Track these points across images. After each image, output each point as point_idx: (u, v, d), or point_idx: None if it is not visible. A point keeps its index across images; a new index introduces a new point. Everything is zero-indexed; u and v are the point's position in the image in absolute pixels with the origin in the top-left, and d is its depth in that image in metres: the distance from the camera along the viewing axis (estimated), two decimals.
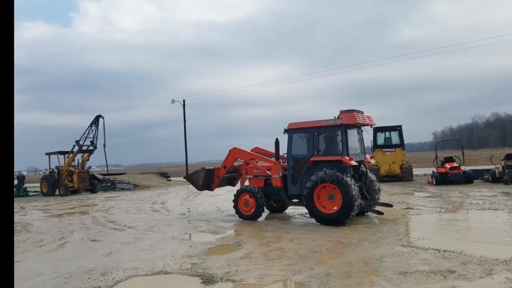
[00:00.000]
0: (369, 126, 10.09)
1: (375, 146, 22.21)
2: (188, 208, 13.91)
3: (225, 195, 17.85)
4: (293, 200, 10.41)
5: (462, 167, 18.46)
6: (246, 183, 11.29)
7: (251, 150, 11.53)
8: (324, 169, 9.03)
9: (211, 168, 11.83)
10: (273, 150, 10.66)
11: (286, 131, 9.98)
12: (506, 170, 17.09)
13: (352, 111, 9.43)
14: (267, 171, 10.62)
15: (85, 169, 24.96)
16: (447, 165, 18.55)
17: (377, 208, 10.10)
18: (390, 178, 21.82)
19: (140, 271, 6.03)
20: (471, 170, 19.46)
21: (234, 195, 10.65)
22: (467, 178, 18.03)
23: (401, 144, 22.12)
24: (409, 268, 5.49)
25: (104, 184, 26.83)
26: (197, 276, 5.61)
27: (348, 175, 8.98)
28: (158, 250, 7.44)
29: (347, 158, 9.08)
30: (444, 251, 6.32)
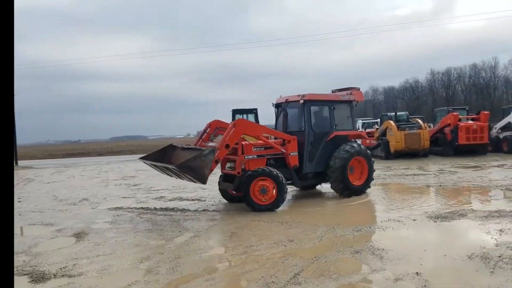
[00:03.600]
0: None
1: None
2: (19, 198, 12.29)
3: (64, 181, 16.38)
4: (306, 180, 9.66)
5: None
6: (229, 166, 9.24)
7: (208, 124, 9.72)
8: (354, 143, 9.69)
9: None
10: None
11: (304, 102, 9.36)
12: None
13: (358, 89, 10.26)
14: (282, 149, 9.14)
15: None
16: None
17: None
18: None
19: None
20: None
21: (244, 181, 8.40)
22: None
23: None
24: (255, 241, 6.07)
25: None
26: (25, 274, 5.07)
27: None
28: None
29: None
30: (287, 222, 7.22)
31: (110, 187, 14.20)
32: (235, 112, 23.73)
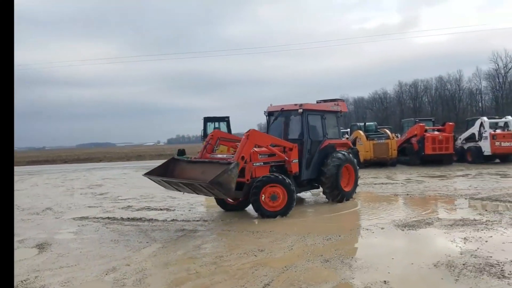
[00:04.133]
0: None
1: (205, 135, 23.36)
2: None
3: (27, 190, 15.78)
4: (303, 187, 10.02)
5: None
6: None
7: (211, 135, 9.72)
8: (343, 151, 10.26)
9: None
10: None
11: (303, 111, 9.76)
12: None
13: (343, 100, 11.21)
14: (285, 156, 9.34)
15: None
16: None
17: None
18: None
19: None
20: None
21: (255, 187, 8.41)
22: None
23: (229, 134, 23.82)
24: (225, 252, 6.02)
25: None
26: None
27: None
28: None
29: None
30: (258, 232, 7.20)
31: (75, 196, 13.78)
32: (206, 120, 23.68)
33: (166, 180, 8.44)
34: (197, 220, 8.59)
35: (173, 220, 8.69)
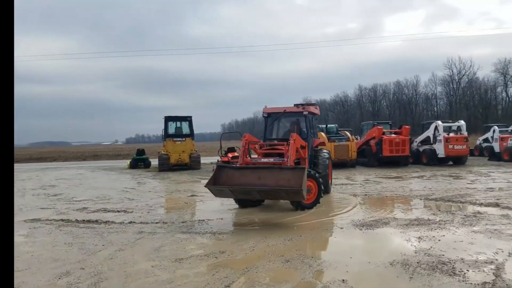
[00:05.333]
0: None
1: (166, 135, 23.11)
2: None
3: None
4: None
5: None
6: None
7: (245, 140, 9.77)
8: (324, 150, 11.72)
9: None
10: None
11: (308, 113, 10.77)
12: None
13: (317, 104, 12.32)
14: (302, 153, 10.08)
15: None
16: (230, 155, 20.93)
17: None
18: (179, 166, 23.06)
19: None
20: None
21: None
22: None
23: (191, 134, 23.70)
24: (185, 254, 5.93)
25: None
26: None
27: None
28: None
29: None
30: (219, 233, 7.16)
31: (27, 197, 13.19)
32: (167, 119, 23.43)
33: (233, 189, 8.17)
34: (156, 222, 8.41)
35: (131, 222, 8.47)
